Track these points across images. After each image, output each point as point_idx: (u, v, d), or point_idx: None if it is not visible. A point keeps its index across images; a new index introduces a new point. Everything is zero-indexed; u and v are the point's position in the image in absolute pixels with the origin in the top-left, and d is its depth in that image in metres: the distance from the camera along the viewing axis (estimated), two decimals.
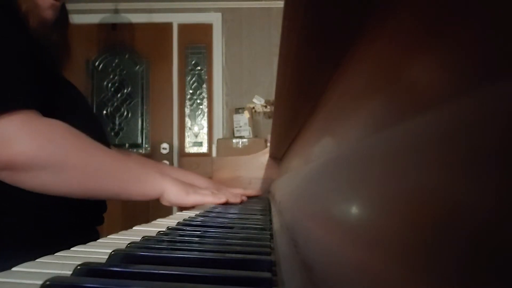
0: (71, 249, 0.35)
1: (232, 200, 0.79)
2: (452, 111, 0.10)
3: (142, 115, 3.00)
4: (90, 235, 0.48)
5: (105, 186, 0.64)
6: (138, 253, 0.30)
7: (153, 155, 2.86)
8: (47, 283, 0.22)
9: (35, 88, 0.60)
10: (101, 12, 2.94)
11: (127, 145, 2.94)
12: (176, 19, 2.98)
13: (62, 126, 0.60)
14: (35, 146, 0.57)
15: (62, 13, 0.78)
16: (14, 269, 0.27)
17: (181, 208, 0.80)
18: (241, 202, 0.82)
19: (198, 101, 3.00)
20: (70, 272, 0.25)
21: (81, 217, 0.73)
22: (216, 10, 2.98)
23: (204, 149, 2.96)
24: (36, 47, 0.64)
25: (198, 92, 3.00)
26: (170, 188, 0.69)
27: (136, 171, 0.69)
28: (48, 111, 0.61)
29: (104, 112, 2.95)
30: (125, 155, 0.94)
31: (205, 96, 2.99)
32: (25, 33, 0.62)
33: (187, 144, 2.97)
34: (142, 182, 0.68)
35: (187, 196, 0.70)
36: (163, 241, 0.37)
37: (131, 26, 2.99)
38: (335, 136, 0.31)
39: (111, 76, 3.00)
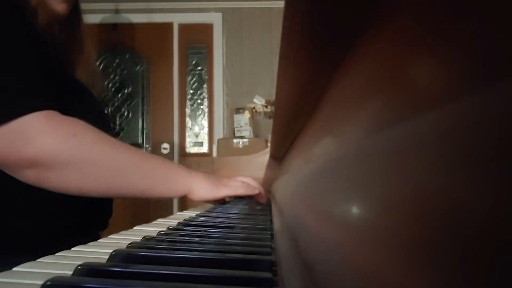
0: (72, 249, 0.35)
1: (261, 196, 0.78)
2: (453, 111, 0.10)
3: (142, 115, 3.00)
4: (90, 238, 0.48)
5: (132, 183, 0.62)
6: (139, 253, 0.30)
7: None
8: (48, 283, 0.22)
9: (53, 89, 0.60)
10: (101, 12, 2.94)
11: None
12: (177, 19, 2.99)
13: (85, 123, 0.60)
14: (60, 141, 0.56)
15: (75, 9, 0.76)
16: (14, 269, 0.27)
17: (182, 208, 0.80)
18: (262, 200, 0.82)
19: (199, 101, 3.00)
20: (71, 272, 0.25)
21: (87, 222, 0.72)
22: (216, 10, 2.98)
23: (204, 149, 2.97)
24: (44, 45, 0.63)
25: (198, 92, 3.01)
26: (199, 184, 0.68)
27: (162, 168, 0.67)
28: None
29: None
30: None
31: (206, 96, 3.00)
32: (34, 30, 0.62)
33: (187, 144, 2.98)
34: (169, 180, 0.66)
35: (217, 190, 0.70)
36: (164, 241, 0.37)
37: (131, 26, 2.99)
38: (335, 136, 0.31)
39: (112, 76, 3.01)
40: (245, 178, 0.78)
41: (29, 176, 0.57)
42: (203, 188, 0.68)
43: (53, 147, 0.56)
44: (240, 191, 0.73)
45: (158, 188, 0.65)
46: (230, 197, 0.77)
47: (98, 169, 0.59)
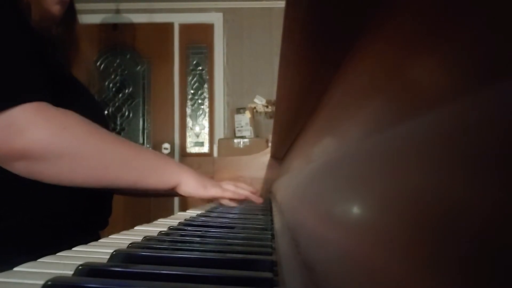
0: (73, 249, 0.35)
1: (252, 198, 0.78)
2: (453, 111, 0.10)
3: (143, 115, 3.00)
4: (91, 237, 0.48)
5: (123, 174, 0.62)
6: (140, 253, 0.30)
7: None
8: (49, 283, 0.22)
9: (46, 82, 0.60)
10: (102, 12, 2.94)
11: None
12: (177, 19, 2.99)
13: (77, 115, 0.60)
14: (50, 133, 0.56)
15: (70, 10, 0.77)
16: (15, 269, 0.27)
17: (183, 208, 0.80)
18: (260, 196, 0.81)
19: (200, 101, 3.00)
20: (72, 272, 0.25)
21: (86, 221, 0.72)
22: (217, 10, 2.98)
23: (205, 149, 2.97)
24: (39, 41, 0.63)
25: (199, 92, 3.01)
26: (188, 179, 0.68)
27: (153, 160, 0.67)
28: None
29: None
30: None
31: (206, 96, 3.00)
32: (28, 25, 0.62)
33: (188, 144, 2.98)
34: (160, 171, 0.66)
35: (205, 189, 0.69)
36: (165, 241, 0.37)
37: (132, 26, 2.99)
38: (336, 136, 0.31)
39: (112, 76, 3.01)
40: (235, 184, 0.78)
41: (20, 168, 0.57)
42: (190, 184, 0.68)
43: (44, 138, 0.56)
44: (228, 194, 0.73)
45: (149, 180, 0.65)
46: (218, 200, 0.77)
47: (89, 160, 0.59)
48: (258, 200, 0.79)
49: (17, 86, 0.56)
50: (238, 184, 0.79)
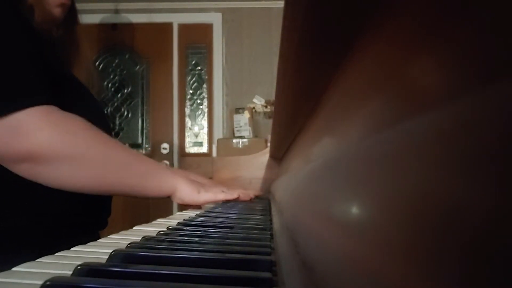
0: (71, 249, 0.35)
1: (243, 197, 0.80)
2: (452, 111, 0.10)
3: (142, 115, 3.00)
4: (90, 237, 0.48)
5: (122, 180, 0.64)
6: (138, 253, 0.30)
7: (154, 155, 2.86)
8: (47, 283, 0.22)
9: (50, 84, 0.60)
10: (101, 12, 2.94)
11: (127, 145, 2.94)
12: (176, 19, 2.99)
13: (81, 120, 0.61)
14: (55, 136, 0.57)
15: (71, 11, 0.78)
16: (14, 269, 0.27)
17: (182, 208, 0.80)
18: (250, 200, 0.83)
19: (198, 101, 3.00)
20: (71, 272, 0.25)
21: (86, 221, 0.72)
22: (216, 10, 2.98)
23: (204, 149, 2.97)
24: (41, 43, 0.64)
25: (198, 92, 3.01)
26: (182, 186, 0.70)
27: (151, 166, 0.69)
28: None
29: (104, 112, 2.95)
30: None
31: (205, 96, 3.00)
32: (31, 28, 0.63)
33: (187, 144, 2.98)
34: (157, 177, 0.68)
35: (198, 195, 0.71)
36: (163, 241, 0.37)
37: (131, 26, 2.99)
38: (335, 136, 0.31)
39: (111, 76, 3.01)
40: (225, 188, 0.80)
41: (23, 170, 0.58)
42: (184, 191, 0.70)
43: (49, 142, 0.56)
44: (220, 196, 0.75)
45: (147, 186, 0.67)
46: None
47: (91, 165, 0.61)
48: (247, 197, 0.81)
49: (22, 90, 0.57)
50: (227, 186, 0.81)
